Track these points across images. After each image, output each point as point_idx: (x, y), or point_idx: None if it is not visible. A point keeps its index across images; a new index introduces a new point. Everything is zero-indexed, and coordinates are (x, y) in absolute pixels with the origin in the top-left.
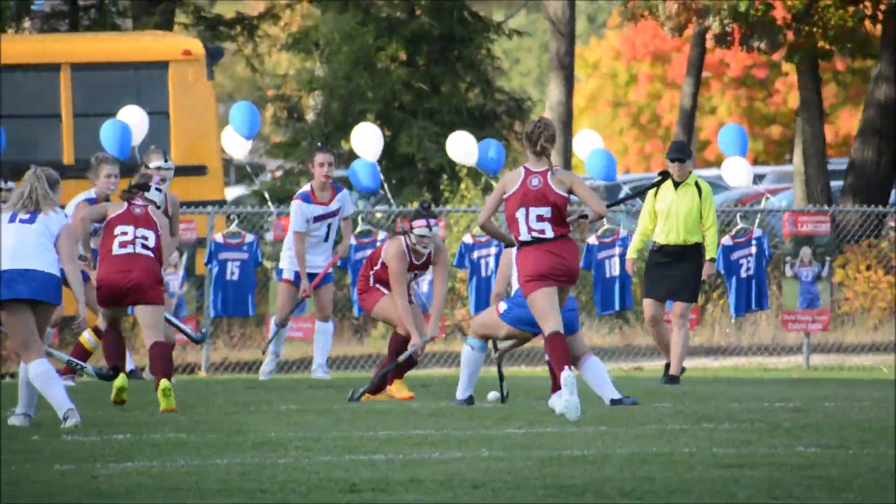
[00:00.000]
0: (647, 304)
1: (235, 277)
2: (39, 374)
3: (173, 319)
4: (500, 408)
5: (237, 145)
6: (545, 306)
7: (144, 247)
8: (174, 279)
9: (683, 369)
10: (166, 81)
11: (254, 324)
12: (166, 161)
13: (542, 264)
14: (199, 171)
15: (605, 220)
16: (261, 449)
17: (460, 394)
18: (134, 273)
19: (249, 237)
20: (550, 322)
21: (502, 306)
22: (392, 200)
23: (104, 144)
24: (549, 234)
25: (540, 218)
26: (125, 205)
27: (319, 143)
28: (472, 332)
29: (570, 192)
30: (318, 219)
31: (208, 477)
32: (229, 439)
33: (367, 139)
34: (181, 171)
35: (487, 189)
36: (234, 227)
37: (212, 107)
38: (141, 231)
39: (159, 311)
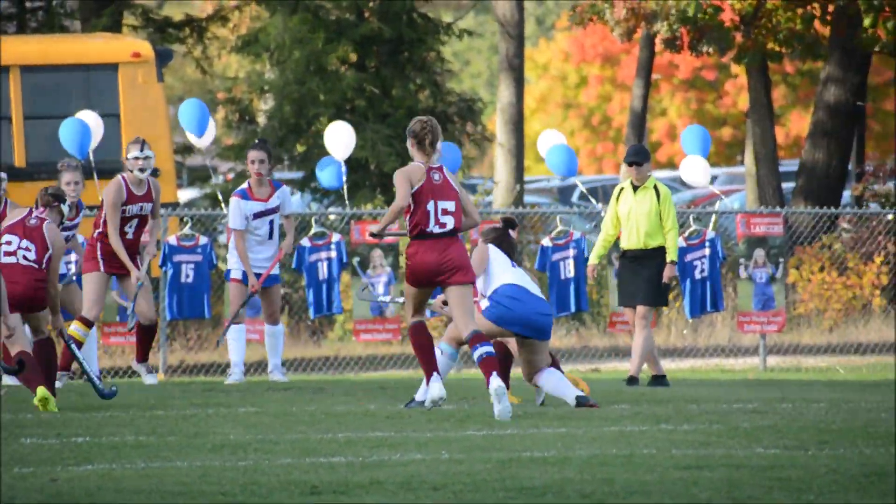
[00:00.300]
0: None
1: (190, 280)
2: None
3: (86, 367)
4: (460, 410)
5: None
6: (415, 303)
7: (26, 258)
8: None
9: (664, 375)
10: (116, 83)
11: (210, 326)
12: (142, 150)
13: (428, 262)
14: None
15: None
16: (221, 451)
17: (419, 395)
18: (19, 286)
19: (203, 239)
20: (414, 317)
21: (483, 303)
22: (347, 202)
23: (63, 143)
24: (450, 227)
25: (444, 211)
26: (24, 212)
27: (256, 140)
28: (447, 338)
29: None
30: (257, 215)
31: (168, 479)
32: (189, 441)
33: (339, 137)
34: None
35: None
36: (187, 230)
37: (162, 109)
38: (25, 242)
39: (46, 313)
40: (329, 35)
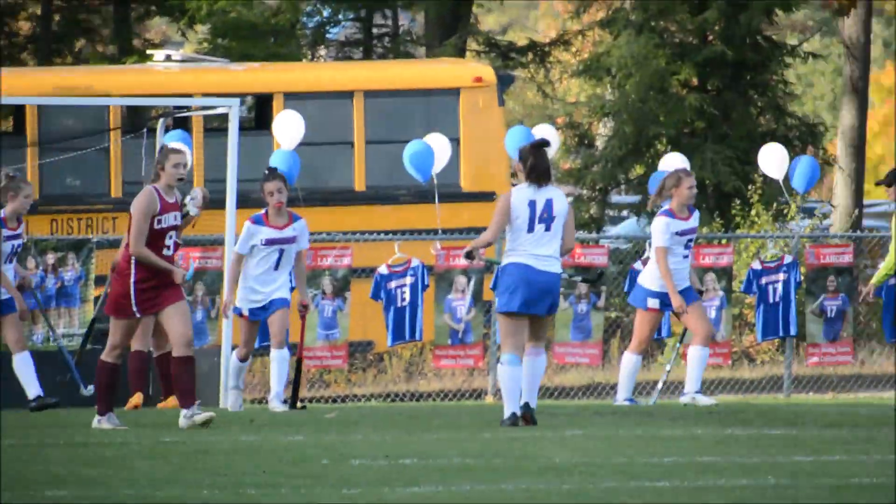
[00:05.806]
0: None
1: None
2: None
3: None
4: (787, 435)
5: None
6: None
7: None
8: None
9: None
10: (457, 108)
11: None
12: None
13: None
14: (487, 197)
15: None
16: (545, 474)
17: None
18: None
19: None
20: None
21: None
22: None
23: (408, 165)
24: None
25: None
26: None
27: (267, 170)
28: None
29: None
30: (269, 242)
31: (492, 502)
32: (516, 464)
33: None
34: (470, 197)
35: (779, 216)
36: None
37: (501, 133)
38: None
39: None
40: (671, 57)
